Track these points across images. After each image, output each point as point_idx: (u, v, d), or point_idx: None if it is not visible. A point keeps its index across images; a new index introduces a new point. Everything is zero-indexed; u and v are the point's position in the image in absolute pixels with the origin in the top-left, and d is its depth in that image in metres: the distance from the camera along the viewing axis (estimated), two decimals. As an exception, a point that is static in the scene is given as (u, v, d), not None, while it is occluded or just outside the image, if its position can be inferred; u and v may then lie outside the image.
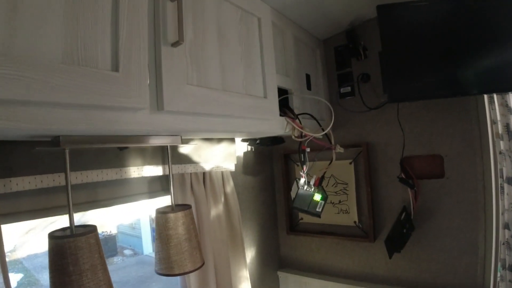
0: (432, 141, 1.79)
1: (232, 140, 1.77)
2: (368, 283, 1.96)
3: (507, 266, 1.56)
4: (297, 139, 1.57)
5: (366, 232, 1.93)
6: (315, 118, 1.61)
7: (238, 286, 1.79)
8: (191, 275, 1.50)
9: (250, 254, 2.03)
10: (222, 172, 1.72)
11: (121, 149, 1.23)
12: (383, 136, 1.91)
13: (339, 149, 1.61)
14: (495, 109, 1.57)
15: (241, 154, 2.01)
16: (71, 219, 0.92)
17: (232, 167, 1.77)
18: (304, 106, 1.78)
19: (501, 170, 1.57)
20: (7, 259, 0.94)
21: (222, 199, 1.70)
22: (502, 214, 1.57)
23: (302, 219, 2.16)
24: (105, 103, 0.79)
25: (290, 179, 2.19)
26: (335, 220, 2.02)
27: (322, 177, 1.60)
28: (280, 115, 1.53)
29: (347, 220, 1.98)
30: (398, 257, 1.86)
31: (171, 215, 1.23)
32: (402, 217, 1.80)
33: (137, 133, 1.07)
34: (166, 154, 1.37)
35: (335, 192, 2.01)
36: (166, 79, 0.96)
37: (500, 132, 1.57)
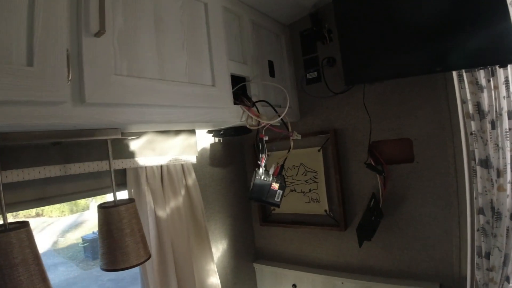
0: (400, 124, 1.69)
1: (191, 132, 1.69)
2: (342, 272, 1.86)
3: (483, 254, 1.47)
4: (252, 128, 1.49)
5: (337, 221, 1.84)
6: (271, 105, 1.52)
7: (205, 279, 1.72)
8: (149, 270, 1.44)
9: (221, 246, 1.95)
10: (182, 165, 1.65)
11: (54, 144, 1.17)
12: (351, 122, 1.81)
13: (296, 136, 1.52)
14: (464, 87, 1.47)
15: (207, 145, 1.93)
16: (4, 216, 0.92)
17: (193, 159, 1.69)
18: (267, 94, 1.69)
19: (473, 152, 1.47)
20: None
21: (183, 192, 1.62)
22: (476, 198, 1.47)
23: (274, 209, 2.06)
24: (20, 98, 0.76)
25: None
26: (306, 210, 1.92)
27: (282, 166, 1.53)
28: (236, 103, 1.46)
29: (318, 209, 1.88)
30: (371, 246, 1.77)
31: (112, 210, 1.15)
32: (371, 204, 1.72)
33: (62, 127, 1.01)
34: (114, 149, 1.32)
35: (305, 181, 1.92)
36: (88, 70, 0.90)
37: (470, 111, 1.46)
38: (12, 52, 0.76)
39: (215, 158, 1.96)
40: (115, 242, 1.15)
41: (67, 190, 1.30)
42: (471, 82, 1.42)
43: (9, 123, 0.77)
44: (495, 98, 1.38)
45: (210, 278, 1.73)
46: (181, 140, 1.62)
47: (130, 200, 1.23)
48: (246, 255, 2.14)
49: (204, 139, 1.92)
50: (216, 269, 1.73)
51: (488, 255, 1.44)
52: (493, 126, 1.38)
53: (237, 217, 2.08)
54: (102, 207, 1.17)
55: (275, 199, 1.47)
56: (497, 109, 1.37)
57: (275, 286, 2.08)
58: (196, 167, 1.82)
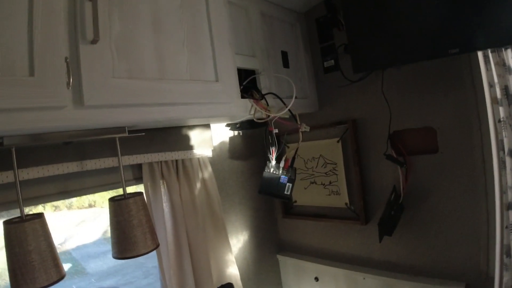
0: (422, 112, 1.56)
1: (206, 126, 1.71)
2: (363, 267, 1.80)
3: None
4: (259, 121, 1.47)
5: (358, 214, 1.76)
6: (279, 97, 1.48)
7: (224, 269, 1.74)
8: (165, 259, 1.50)
9: (243, 238, 1.95)
10: (198, 159, 1.69)
11: (66, 144, 1.25)
12: (370, 111, 1.71)
13: (305, 128, 1.47)
14: (491, 69, 1.32)
15: (226, 139, 1.95)
16: (20, 208, 1.00)
17: (208, 153, 1.72)
18: (279, 86, 1.65)
19: (502, 141, 1.33)
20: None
21: (199, 185, 1.65)
22: (505, 193, 1.33)
23: (296, 201, 2.04)
24: (25, 105, 0.82)
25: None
26: (327, 202, 1.87)
27: (293, 159, 1.50)
28: (244, 96, 1.45)
29: (338, 202, 1.82)
30: (392, 241, 1.67)
31: (121, 202, 1.22)
32: (392, 198, 1.62)
33: (67, 129, 1.07)
34: (127, 145, 1.39)
35: (325, 173, 1.86)
36: (86, 75, 0.94)
37: (498, 96, 1.31)
38: (15, 64, 0.81)
39: (235, 151, 1.97)
40: (124, 232, 1.21)
41: (86, 185, 1.38)
42: (497, 64, 1.28)
43: (15, 128, 0.84)
44: (525, 81, 1.23)
45: (228, 268, 1.75)
46: (196, 134, 1.65)
47: (139, 194, 1.28)
48: (270, 247, 2.14)
49: (223, 133, 1.93)
50: (234, 259, 1.75)
51: (518, 255, 1.30)
52: (524, 112, 1.24)
53: (259, 209, 2.08)
54: (112, 200, 1.24)
55: (285, 192, 1.45)
56: (527, 93, 1.22)
57: (298, 278, 2.06)
58: (215, 160, 1.85)
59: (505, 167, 1.31)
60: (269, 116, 1.44)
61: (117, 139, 1.27)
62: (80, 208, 2.32)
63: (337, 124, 1.77)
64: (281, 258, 2.14)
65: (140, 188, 1.52)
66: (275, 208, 2.19)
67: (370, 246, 1.79)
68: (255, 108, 1.44)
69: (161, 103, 1.14)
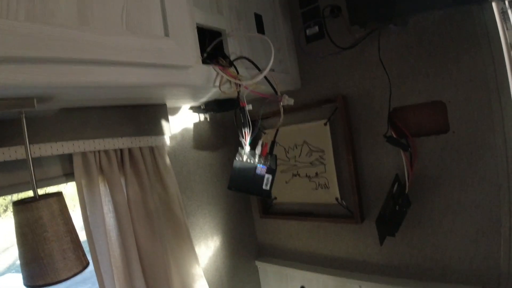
0: (429, 84, 1.24)
1: (161, 107, 1.33)
2: (359, 274, 1.47)
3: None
4: (227, 95, 1.11)
5: (352, 211, 1.43)
6: (251, 61, 1.13)
7: (191, 285, 1.38)
8: (108, 285, 1.12)
9: (213, 244, 1.57)
10: (151, 148, 1.30)
11: None
12: (365, 85, 1.37)
13: (287, 101, 1.12)
14: (511, 28, 1.02)
15: (190, 125, 1.56)
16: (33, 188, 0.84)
17: (165, 141, 1.34)
18: (254, 54, 1.30)
19: None
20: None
21: (152, 182, 1.27)
22: None
23: (275, 198, 1.68)
24: None
25: None
26: (313, 198, 1.52)
27: (273, 143, 1.14)
28: (207, 62, 1.08)
29: (327, 197, 1.48)
30: (394, 242, 1.35)
31: (27, 206, 0.83)
32: (395, 189, 1.30)
33: None
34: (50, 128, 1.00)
35: (310, 163, 1.51)
36: None
37: None
38: None
39: (201, 140, 1.59)
40: (32, 249, 0.82)
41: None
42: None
43: None
44: None
45: (195, 283, 1.38)
46: (148, 117, 1.27)
47: (55, 194, 0.89)
48: (247, 253, 1.77)
49: (186, 118, 1.55)
50: (201, 273, 1.38)
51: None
52: None
53: (233, 209, 1.71)
54: (16, 204, 0.84)
55: (263, 187, 1.09)
56: None
57: (281, 286, 1.71)
58: (175, 150, 1.47)
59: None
60: (239, 87, 1.08)
61: (22, 116, 0.88)
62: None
63: (324, 102, 1.42)
64: (260, 265, 1.77)
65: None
66: (252, 207, 1.82)
67: (366, 249, 1.45)
68: (222, 77, 1.07)
69: (82, 60, 0.76)
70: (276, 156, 1.15)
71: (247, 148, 1.14)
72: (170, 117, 1.37)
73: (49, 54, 0.68)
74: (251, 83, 1.07)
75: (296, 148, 1.53)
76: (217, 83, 1.07)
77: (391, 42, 1.29)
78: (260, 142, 1.13)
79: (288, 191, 1.60)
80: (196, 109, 1.47)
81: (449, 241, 1.26)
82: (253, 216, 1.83)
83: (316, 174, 1.49)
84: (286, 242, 1.73)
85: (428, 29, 1.21)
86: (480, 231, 1.20)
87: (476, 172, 1.18)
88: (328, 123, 1.43)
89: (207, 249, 1.56)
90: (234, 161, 1.10)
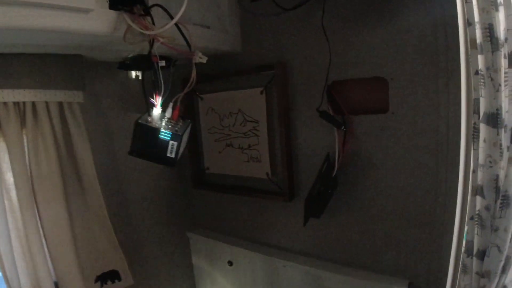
0: (373, 56, 1.09)
1: (75, 58, 1.16)
2: (286, 253, 1.38)
3: (474, 252, 0.94)
4: (132, 46, 0.94)
5: (281, 188, 1.31)
6: (165, 9, 0.95)
7: (106, 254, 1.27)
8: (4, 250, 1.01)
9: (144, 213, 1.49)
10: (61, 104, 1.15)
11: None
12: (306, 52, 1.20)
13: (200, 58, 0.97)
14: (471, 1, 0.87)
15: (117, 83, 1.38)
16: None
17: (78, 97, 1.18)
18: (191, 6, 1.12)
19: (477, 101, 0.90)
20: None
21: (58, 142, 1.13)
22: (474, 172, 0.93)
23: (208, 168, 1.56)
24: None
25: (194, 115, 1.53)
26: (245, 171, 1.39)
27: (186, 106, 1.01)
28: (118, 8, 0.91)
29: (258, 171, 1.35)
30: (321, 225, 1.25)
31: None
32: (323, 169, 1.19)
33: None
34: None
35: (244, 134, 1.37)
36: None
37: (478, 40, 0.87)
38: None
39: (129, 101, 1.42)
40: None
41: None
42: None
43: None
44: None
45: (110, 252, 1.28)
46: (58, 68, 1.10)
47: None
48: (178, 223, 1.66)
49: (117, 74, 1.38)
50: (115, 241, 1.27)
51: (482, 255, 0.92)
52: (512, 63, 0.82)
53: (163, 178, 1.58)
54: None
55: (168, 154, 0.96)
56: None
57: (210, 260, 1.62)
58: (97, 110, 1.31)
59: (478, 137, 0.90)
60: (150, 39, 0.92)
61: None
62: None
63: (263, 69, 1.26)
64: (192, 237, 1.67)
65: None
66: (186, 176, 1.69)
67: (294, 228, 1.36)
68: (129, 26, 0.90)
69: None
70: (190, 122, 1.02)
71: (156, 110, 1.00)
72: (92, 72, 1.21)
73: None
74: (157, 32, 0.90)
75: (231, 116, 1.38)
76: (122, 33, 0.91)
77: (338, 5, 1.12)
78: (171, 104, 0.99)
79: (221, 162, 1.47)
80: (121, 65, 1.30)
81: (378, 229, 1.17)
82: (187, 185, 1.69)
83: (249, 146, 1.36)
84: (217, 216, 1.62)
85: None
86: (411, 221, 1.10)
87: (414, 157, 1.07)
88: (264, 92, 1.28)
89: (139, 217, 1.45)
90: (136, 122, 0.95)
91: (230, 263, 1.52)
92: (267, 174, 1.33)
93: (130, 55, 1.21)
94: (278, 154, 1.30)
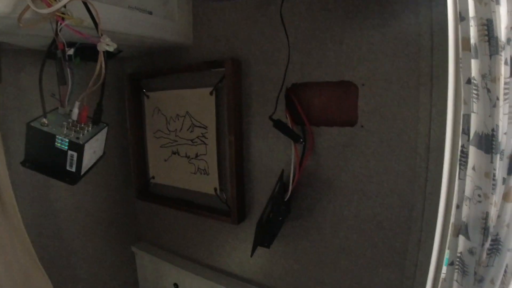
0: (341, 55, 0.86)
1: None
2: (236, 280, 1.16)
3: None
4: (29, 27, 0.71)
5: (230, 207, 1.09)
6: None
7: (27, 277, 1.05)
8: None
9: (87, 227, 1.26)
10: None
11: None
12: (264, 47, 0.97)
13: (107, 46, 0.73)
14: None
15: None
16: None
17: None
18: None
19: (467, 117, 0.67)
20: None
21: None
22: (458, 207, 0.70)
23: (153, 178, 1.32)
24: None
25: (143, 115, 1.30)
26: (192, 184, 1.16)
27: (100, 106, 0.78)
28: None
29: (206, 186, 1.11)
30: (276, 253, 1.04)
31: None
32: (276, 189, 0.96)
33: None
34: None
35: (191, 140, 1.13)
36: None
37: (472, 39, 0.65)
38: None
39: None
40: None
41: None
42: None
43: None
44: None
45: (31, 275, 1.04)
46: None
47: None
48: (122, 237, 1.41)
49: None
50: (36, 260, 1.04)
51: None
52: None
53: (110, 187, 1.34)
54: None
55: (67, 167, 0.73)
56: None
57: (156, 280, 1.39)
58: (22, 107, 1.08)
59: (465, 164, 0.67)
60: (50, 17, 0.69)
61: None
62: None
63: (214, 65, 1.03)
64: (137, 252, 1.43)
65: None
66: (132, 184, 1.43)
67: (244, 254, 1.13)
68: (27, 6, 0.66)
69: None
70: (105, 125, 0.79)
71: (62, 110, 0.78)
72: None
73: None
74: (57, 7, 0.67)
75: (178, 119, 1.14)
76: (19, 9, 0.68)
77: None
78: (76, 104, 0.76)
79: (166, 171, 1.24)
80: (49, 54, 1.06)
81: (340, 264, 0.94)
82: (131, 195, 1.44)
83: (196, 155, 1.12)
84: (164, 232, 1.38)
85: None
86: (380, 259, 0.88)
87: (385, 183, 0.84)
88: (214, 93, 1.05)
89: (81, 230, 1.22)
90: (28, 124, 0.72)
91: (176, 285, 1.29)
92: (215, 189, 1.10)
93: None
94: (227, 166, 1.07)
